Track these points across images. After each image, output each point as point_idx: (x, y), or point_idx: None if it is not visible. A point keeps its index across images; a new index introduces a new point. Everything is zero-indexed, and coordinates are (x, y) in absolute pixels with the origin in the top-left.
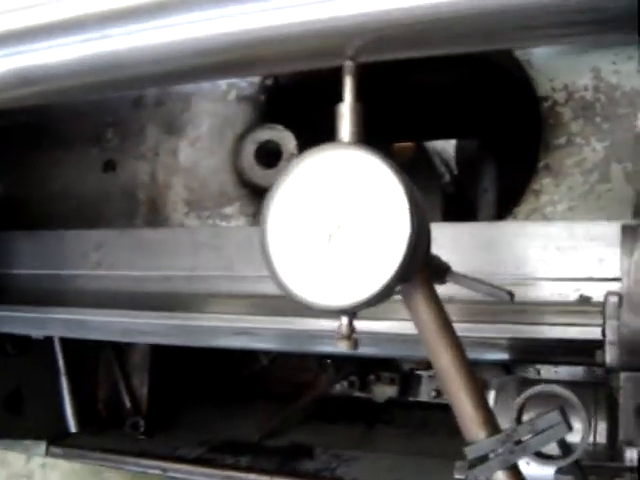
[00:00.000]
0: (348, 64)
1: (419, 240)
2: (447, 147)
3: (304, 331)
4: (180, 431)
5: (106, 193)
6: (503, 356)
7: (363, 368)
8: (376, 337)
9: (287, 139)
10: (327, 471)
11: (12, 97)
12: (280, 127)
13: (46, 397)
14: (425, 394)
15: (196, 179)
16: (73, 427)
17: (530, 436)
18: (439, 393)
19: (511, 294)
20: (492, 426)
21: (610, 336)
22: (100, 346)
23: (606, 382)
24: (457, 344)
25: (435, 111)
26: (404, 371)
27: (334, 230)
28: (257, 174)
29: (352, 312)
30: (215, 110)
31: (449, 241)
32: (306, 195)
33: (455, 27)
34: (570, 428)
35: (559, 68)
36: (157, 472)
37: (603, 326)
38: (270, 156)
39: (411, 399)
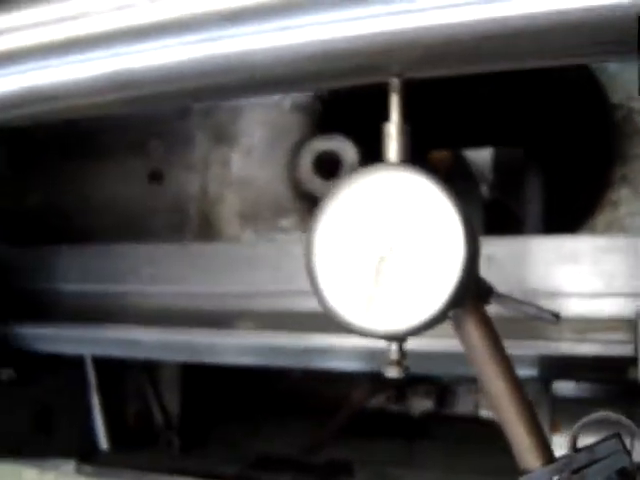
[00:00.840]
0: (394, 81)
1: (472, 262)
2: (480, 156)
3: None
4: (214, 448)
5: (152, 205)
6: (531, 373)
7: (399, 381)
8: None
9: (347, 149)
10: None
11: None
12: (339, 136)
13: (75, 414)
14: (463, 407)
15: (251, 191)
16: (104, 444)
17: (588, 465)
18: (478, 406)
19: (557, 315)
20: (548, 454)
21: None
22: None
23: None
24: (510, 370)
25: (477, 118)
26: (442, 384)
27: (385, 252)
28: (315, 185)
29: (402, 338)
30: (269, 119)
31: (531, 255)
32: (356, 216)
33: (508, 44)
34: (630, 456)
35: (635, 75)
36: None
37: (636, 342)
38: (329, 166)
39: (449, 412)
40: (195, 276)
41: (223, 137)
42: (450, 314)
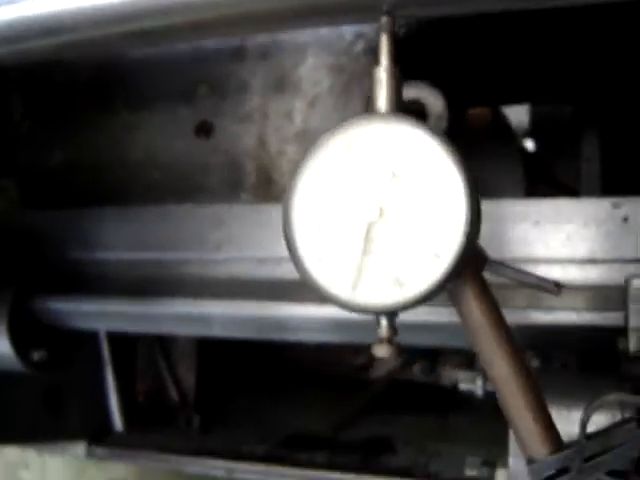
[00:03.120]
0: (384, 20)
1: (475, 227)
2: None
3: None
4: (236, 425)
5: (201, 161)
6: None
7: (430, 351)
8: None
9: (434, 98)
10: (418, 467)
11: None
12: (425, 84)
13: (86, 393)
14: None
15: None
16: (118, 425)
17: (602, 452)
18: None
19: (558, 285)
20: (556, 441)
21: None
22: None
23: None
24: (515, 349)
25: (520, 72)
26: (473, 354)
27: (375, 217)
28: None
29: (393, 313)
30: (338, 64)
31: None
32: (340, 175)
33: None
34: None
35: None
36: (221, 473)
37: (626, 311)
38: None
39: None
40: (266, 240)
41: (284, 84)
42: (448, 286)
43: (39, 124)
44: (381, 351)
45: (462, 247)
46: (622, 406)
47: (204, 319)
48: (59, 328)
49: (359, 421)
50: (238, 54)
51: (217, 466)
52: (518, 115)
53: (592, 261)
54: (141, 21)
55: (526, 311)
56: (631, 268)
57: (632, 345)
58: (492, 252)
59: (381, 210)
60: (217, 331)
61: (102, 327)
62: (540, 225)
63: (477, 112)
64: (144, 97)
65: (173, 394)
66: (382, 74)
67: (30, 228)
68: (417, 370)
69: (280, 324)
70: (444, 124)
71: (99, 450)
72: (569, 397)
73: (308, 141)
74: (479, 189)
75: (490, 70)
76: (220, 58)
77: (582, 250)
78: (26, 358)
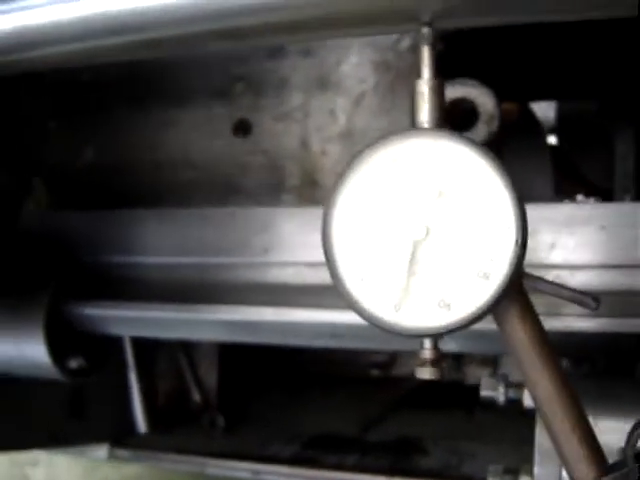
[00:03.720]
0: (425, 31)
1: (524, 246)
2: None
3: None
4: (260, 425)
5: (238, 162)
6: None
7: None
8: None
9: (485, 96)
10: (450, 469)
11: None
12: (474, 82)
13: (109, 395)
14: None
15: (363, 145)
16: (142, 427)
17: None
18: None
19: (597, 300)
20: (602, 464)
21: None
22: None
23: None
24: (560, 370)
25: (547, 68)
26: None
27: (420, 236)
28: None
29: (439, 336)
30: (384, 61)
31: None
32: (383, 192)
33: None
34: None
35: None
36: (247, 475)
37: None
38: (461, 118)
39: None
40: (315, 243)
41: (326, 82)
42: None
43: (67, 123)
44: (424, 373)
45: (512, 268)
46: None
47: (253, 326)
48: (96, 334)
49: (386, 420)
50: (278, 51)
51: (242, 468)
52: (544, 112)
53: None
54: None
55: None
56: None
57: None
58: None
59: (427, 229)
60: (265, 338)
61: (144, 334)
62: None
63: (504, 107)
64: (177, 94)
65: (195, 395)
66: (424, 87)
67: (64, 230)
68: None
69: (335, 331)
70: (496, 125)
71: (121, 452)
72: (595, 407)
73: (353, 142)
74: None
75: (519, 64)
76: (258, 54)
77: None
78: (63, 366)
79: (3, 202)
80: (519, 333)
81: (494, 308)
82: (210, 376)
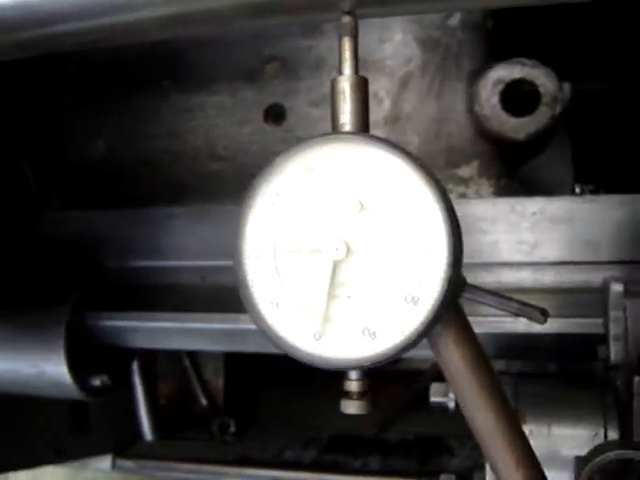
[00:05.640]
0: (346, 20)
1: (458, 268)
2: None
3: None
4: (272, 429)
5: (270, 151)
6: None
7: None
8: None
9: (546, 77)
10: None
11: None
12: (534, 62)
13: (114, 406)
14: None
15: (413, 131)
16: (148, 435)
17: None
18: None
19: (545, 313)
20: None
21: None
22: None
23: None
24: (502, 399)
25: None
26: None
27: (340, 256)
28: (505, 124)
29: (366, 368)
30: (431, 38)
31: None
32: (299, 206)
33: None
34: None
35: None
36: None
37: (605, 319)
38: (520, 100)
39: None
40: None
41: (367, 61)
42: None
43: (79, 110)
44: (349, 408)
45: (443, 292)
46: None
47: None
48: (122, 348)
49: (402, 418)
50: (314, 28)
51: (261, 476)
52: None
53: None
54: None
55: (496, 320)
56: None
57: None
58: None
59: (348, 247)
60: None
61: (177, 346)
62: None
63: None
64: (200, 77)
65: (201, 398)
66: (344, 85)
67: (84, 232)
68: None
69: None
70: (558, 108)
71: (126, 463)
72: (550, 413)
73: (399, 128)
74: (457, 219)
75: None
76: (292, 32)
77: None
78: (86, 385)
79: (25, 203)
80: (455, 359)
81: (425, 335)
82: (216, 379)
